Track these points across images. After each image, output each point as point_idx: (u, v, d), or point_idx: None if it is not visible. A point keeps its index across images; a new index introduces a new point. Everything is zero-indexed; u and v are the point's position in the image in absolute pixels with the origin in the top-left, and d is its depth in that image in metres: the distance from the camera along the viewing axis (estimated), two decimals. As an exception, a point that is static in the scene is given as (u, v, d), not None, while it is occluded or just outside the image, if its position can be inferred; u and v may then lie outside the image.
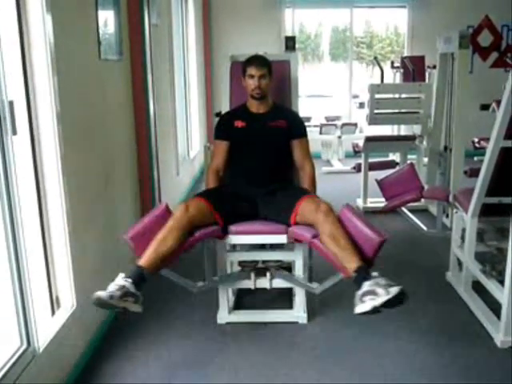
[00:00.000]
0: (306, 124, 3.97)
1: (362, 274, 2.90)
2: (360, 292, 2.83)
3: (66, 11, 2.96)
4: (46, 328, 2.75)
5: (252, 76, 3.56)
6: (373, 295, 2.76)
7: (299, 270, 3.51)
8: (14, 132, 2.38)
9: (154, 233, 3.10)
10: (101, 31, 3.49)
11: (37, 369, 2.53)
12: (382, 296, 2.72)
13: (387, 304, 2.72)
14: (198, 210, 3.23)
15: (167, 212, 3.27)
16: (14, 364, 2.36)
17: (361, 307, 2.80)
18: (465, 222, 3.82)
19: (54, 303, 2.94)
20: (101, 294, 2.74)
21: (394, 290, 2.73)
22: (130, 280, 2.87)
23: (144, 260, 3.00)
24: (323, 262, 3.23)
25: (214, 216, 3.29)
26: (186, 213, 3.16)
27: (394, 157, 7.54)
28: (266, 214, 3.44)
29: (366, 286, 2.82)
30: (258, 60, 3.61)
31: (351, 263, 2.96)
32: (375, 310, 2.75)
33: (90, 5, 3.37)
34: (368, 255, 3.03)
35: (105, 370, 3.07)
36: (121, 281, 2.86)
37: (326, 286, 3.40)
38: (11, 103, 2.35)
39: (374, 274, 2.88)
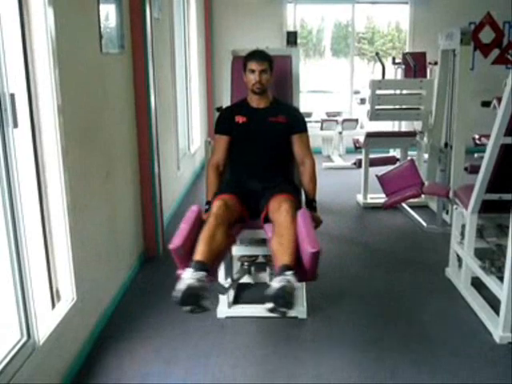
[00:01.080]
0: (307, 119, 3.97)
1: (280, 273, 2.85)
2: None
3: (68, 5, 2.96)
4: (46, 321, 2.75)
5: (253, 71, 3.55)
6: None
7: None
8: (16, 125, 2.38)
9: (195, 236, 3.05)
10: (102, 25, 3.49)
11: (37, 361, 2.54)
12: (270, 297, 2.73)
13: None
14: (232, 204, 3.27)
15: (201, 213, 3.29)
16: (14, 356, 2.36)
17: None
18: (465, 218, 3.82)
19: (55, 296, 2.94)
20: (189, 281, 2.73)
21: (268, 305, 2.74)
22: (203, 273, 2.81)
23: (201, 256, 2.91)
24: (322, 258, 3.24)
25: (241, 210, 3.34)
26: (225, 208, 3.19)
27: (395, 153, 7.54)
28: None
29: (275, 281, 2.80)
30: (258, 55, 3.61)
31: (281, 260, 2.92)
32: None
33: (91, -2, 3.37)
34: (307, 267, 2.91)
35: (104, 363, 3.08)
36: (196, 274, 2.80)
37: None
38: (12, 96, 2.36)
39: (291, 278, 2.79)
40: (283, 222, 3.10)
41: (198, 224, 3.17)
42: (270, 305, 2.75)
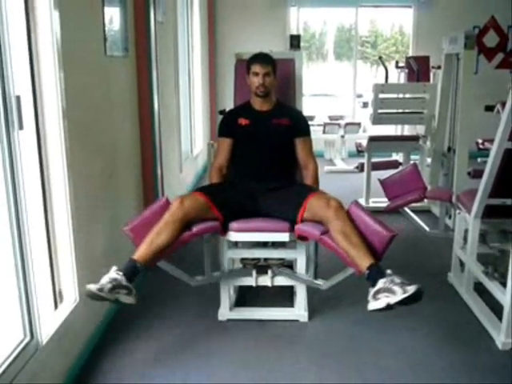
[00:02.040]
0: (310, 123, 3.97)
1: (376, 272, 2.92)
2: (374, 289, 2.85)
3: (73, 8, 2.97)
4: (49, 321, 2.76)
5: (256, 73, 3.56)
6: (388, 293, 2.78)
7: (301, 268, 3.51)
8: (21, 127, 2.39)
9: (152, 226, 3.13)
10: (107, 28, 3.50)
11: (39, 361, 2.55)
12: (399, 294, 2.74)
13: (403, 301, 2.74)
14: (194, 204, 3.23)
15: (167, 205, 3.27)
16: (17, 356, 2.37)
17: (374, 304, 2.83)
18: (467, 223, 3.82)
19: (57, 297, 2.95)
20: (91, 286, 2.79)
21: (412, 289, 2.74)
22: (121, 273, 2.91)
23: (138, 253, 3.04)
24: (327, 258, 3.24)
25: (212, 211, 3.28)
26: (181, 207, 3.17)
27: (398, 157, 7.54)
28: (269, 211, 3.41)
29: (381, 283, 2.84)
30: (262, 58, 3.62)
31: (364, 260, 2.98)
32: (388, 307, 2.78)
33: (96, 2, 3.38)
34: (378, 250, 3.05)
35: (106, 364, 3.08)
36: (113, 274, 2.90)
37: (333, 282, 3.41)
38: (18, 98, 2.36)
39: (388, 271, 2.90)
40: (344, 218, 3.11)
41: (160, 214, 3.20)
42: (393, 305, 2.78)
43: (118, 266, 2.97)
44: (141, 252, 3.05)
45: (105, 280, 2.85)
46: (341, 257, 3.12)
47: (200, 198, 3.29)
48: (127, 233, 3.19)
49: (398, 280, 2.82)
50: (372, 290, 2.87)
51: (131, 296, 2.91)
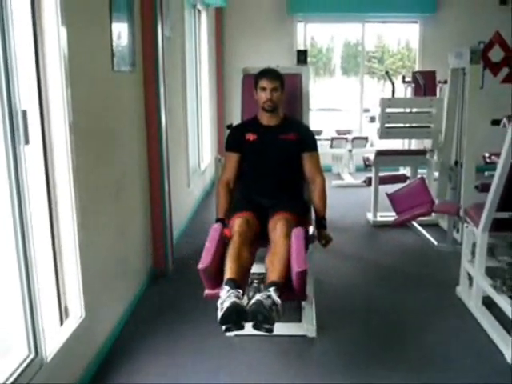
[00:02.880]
0: (317, 137, 3.98)
1: (269, 286, 2.88)
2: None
3: (81, 24, 2.99)
4: (55, 337, 2.75)
5: (264, 88, 3.57)
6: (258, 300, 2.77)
7: None
8: (27, 141, 2.40)
9: (219, 254, 3.09)
10: (114, 43, 3.52)
11: (44, 378, 2.53)
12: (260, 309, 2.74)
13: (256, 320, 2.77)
14: (251, 221, 3.31)
15: (222, 228, 3.28)
16: (21, 373, 2.36)
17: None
18: (475, 236, 3.80)
19: (63, 313, 2.94)
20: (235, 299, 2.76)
21: (266, 326, 2.77)
22: (240, 291, 2.85)
23: (234, 275, 2.93)
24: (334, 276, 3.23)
25: (258, 226, 3.36)
26: (246, 225, 3.24)
27: (405, 171, 7.53)
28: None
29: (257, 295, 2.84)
30: (270, 73, 3.63)
31: (273, 275, 2.96)
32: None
33: (104, 17, 3.40)
34: (293, 283, 2.95)
35: (112, 381, 3.06)
36: (233, 291, 2.82)
37: None
38: (24, 113, 2.37)
39: (272, 294, 2.82)
40: (277, 240, 3.15)
41: (222, 242, 3.18)
42: (252, 322, 2.77)
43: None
44: (236, 274, 2.95)
45: (233, 298, 2.78)
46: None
47: (250, 215, 3.36)
48: (204, 271, 2.95)
49: (267, 302, 2.77)
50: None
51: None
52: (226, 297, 2.78)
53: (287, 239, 3.12)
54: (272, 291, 2.82)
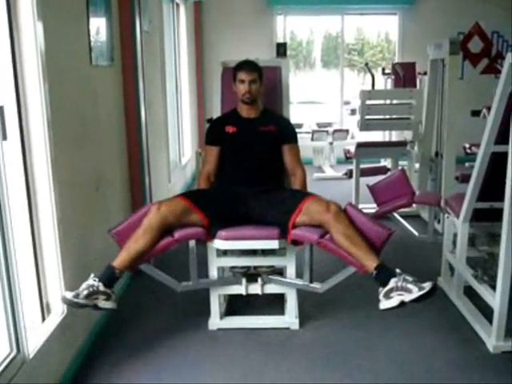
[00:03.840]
0: (298, 130, 3.97)
1: (385, 271, 2.97)
2: (386, 288, 2.91)
3: (57, 18, 2.96)
4: (36, 334, 2.73)
5: (242, 81, 3.56)
6: (402, 291, 2.85)
7: (291, 275, 3.50)
8: (5, 137, 2.37)
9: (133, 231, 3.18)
10: (92, 38, 3.49)
11: (26, 375, 2.51)
12: (415, 292, 2.82)
13: (417, 299, 2.82)
14: (173, 208, 3.21)
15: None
16: (3, 370, 2.34)
17: (387, 303, 2.89)
18: (456, 227, 3.82)
19: (45, 309, 2.92)
20: (67, 293, 2.85)
21: (428, 286, 2.84)
22: (97, 279, 2.94)
23: (116, 259, 3.09)
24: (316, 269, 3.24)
25: (196, 214, 3.24)
26: (158, 212, 3.16)
27: (386, 163, 7.56)
28: (260, 214, 3.38)
29: (393, 282, 2.90)
30: (248, 65, 3.62)
31: (370, 260, 3.02)
32: (401, 305, 2.84)
33: (81, 12, 3.37)
34: (377, 248, 3.11)
35: (95, 376, 3.05)
36: (90, 280, 2.94)
37: (331, 283, 3.38)
38: (1, 108, 2.35)
39: (398, 270, 2.95)
40: (344, 221, 3.14)
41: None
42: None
43: (96, 273, 2.99)
44: (119, 258, 3.09)
45: (81, 287, 2.89)
46: (343, 258, 3.14)
47: (180, 201, 3.28)
48: (112, 236, 3.23)
49: (410, 278, 2.88)
50: (383, 290, 2.92)
51: (110, 301, 2.96)
52: (83, 286, 2.91)
53: (346, 215, 3.18)
54: (401, 274, 2.93)
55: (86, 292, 2.86)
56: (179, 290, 3.43)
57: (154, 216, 3.15)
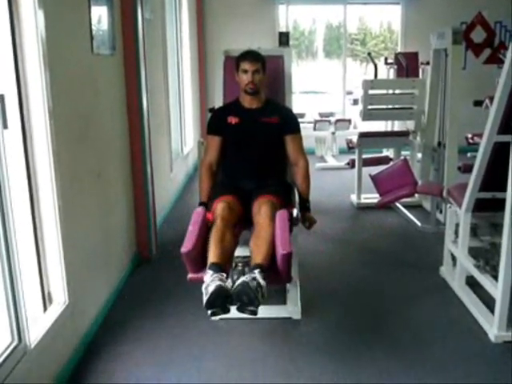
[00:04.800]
0: (300, 120, 3.96)
1: (253, 268, 2.90)
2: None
3: (58, 7, 2.94)
4: (38, 324, 2.73)
5: (245, 71, 3.54)
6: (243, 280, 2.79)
7: None
8: (5, 126, 2.36)
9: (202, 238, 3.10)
10: (93, 26, 3.47)
11: (28, 365, 2.51)
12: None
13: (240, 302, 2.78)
14: (234, 205, 3.28)
15: (205, 213, 3.28)
16: (4, 360, 2.34)
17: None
18: (458, 217, 3.82)
19: (46, 299, 2.91)
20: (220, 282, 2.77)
21: (250, 308, 2.79)
22: (224, 274, 2.86)
23: (217, 259, 2.94)
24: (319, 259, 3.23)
25: (240, 209, 3.34)
26: (229, 209, 3.21)
27: (388, 152, 7.54)
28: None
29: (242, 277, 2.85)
30: (251, 55, 3.60)
31: (257, 257, 2.98)
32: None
33: (82, 0, 3.35)
34: (277, 260, 2.98)
35: (97, 367, 3.05)
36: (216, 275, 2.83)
37: None
38: (2, 97, 2.33)
39: (257, 276, 2.84)
40: (262, 223, 3.14)
41: (205, 226, 3.18)
42: (236, 304, 2.79)
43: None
44: (219, 258, 2.96)
45: (217, 282, 2.79)
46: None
47: (232, 199, 3.33)
48: (188, 253, 2.95)
49: (254, 286, 2.78)
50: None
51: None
52: (210, 281, 2.78)
53: (272, 222, 3.12)
54: (257, 273, 2.83)
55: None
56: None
57: (228, 213, 3.19)
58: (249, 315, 2.82)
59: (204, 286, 2.80)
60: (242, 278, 2.80)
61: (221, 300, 2.76)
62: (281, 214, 3.17)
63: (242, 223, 3.34)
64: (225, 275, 2.85)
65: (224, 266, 2.92)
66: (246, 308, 2.78)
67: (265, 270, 2.88)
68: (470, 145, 7.40)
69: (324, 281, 4.10)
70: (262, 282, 2.81)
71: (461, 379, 2.92)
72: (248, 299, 2.74)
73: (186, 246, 2.93)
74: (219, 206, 3.22)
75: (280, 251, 2.89)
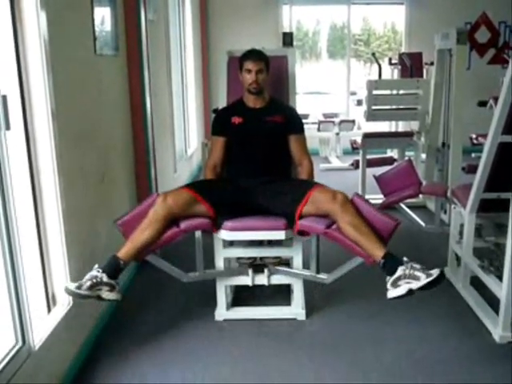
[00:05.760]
0: (304, 121, 3.95)
1: (392, 260, 2.95)
2: (394, 277, 2.89)
3: (61, 7, 2.94)
4: (42, 326, 2.73)
5: (249, 70, 3.54)
6: (410, 279, 2.83)
7: (298, 265, 3.48)
8: (8, 127, 2.36)
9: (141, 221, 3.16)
10: (97, 27, 3.47)
11: (32, 367, 2.51)
12: (423, 279, 2.80)
13: (425, 286, 2.80)
14: (178, 199, 3.20)
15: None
16: (9, 362, 2.34)
17: (395, 292, 2.88)
18: (463, 217, 3.80)
19: (50, 300, 2.92)
20: (70, 284, 2.84)
21: (435, 272, 2.82)
22: (101, 270, 2.93)
23: (121, 250, 3.08)
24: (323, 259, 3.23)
25: (202, 205, 3.24)
26: (164, 203, 3.15)
27: (392, 153, 7.53)
28: (266, 205, 3.37)
29: (400, 270, 2.88)
30: (255, 54, 3.59)
31: (377, 250, 3.00)
32: (409, 293, 2.84)
33: (85, 1, 3.35)
34: (384, 239, 3.08)
35: (102, 367, 3.05)
36: (94, 272, 2.93)
37: (338, 274, 3.38)
38: (4, 97, 2.33)
39: (405, 258, 2.93)
40: (352, 211, 3.12)
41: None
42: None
43: (100, 264, 2.99)
44: (124, 249, 3.08)
45: (85, 278, 2.88)
46: (350, 248, 3.13)
47: (186, 192, 3.27)
48: (118, 226, 3.23)
49: (418, 266, 2.87)
50: (391, 278, 2.90)
51: (114, 292, 2.96)
52: (87, 277, 2.89)
53: (353, 205, 3.16)
54: (408, 262, 2.91)
55: (89, 283, 2.85)
56: (185, 280, 3.43)
57: (160, 207, 3.14)
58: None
59: (81, 281, 2.87)
60: (421, 273, 2.84)
61: (77, 295, 2.85)
62: (359, 197, 3.26)
63: (198, 217, 3.28)
64: (101, 271, 2.94)
65: (125, 258, 3.05)
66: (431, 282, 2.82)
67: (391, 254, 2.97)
68: (474, 145, 7.38)
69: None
70: (415, 263, 2.90)
71: (465, 379, 2.92)
72: (434, 282, 2.81)
73: (118, 219, 3.24)
74: (158, 198, 3.19)
75: (392, 222, 3.08)
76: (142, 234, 3.10)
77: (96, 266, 2.97)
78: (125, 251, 3.07)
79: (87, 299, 2.87)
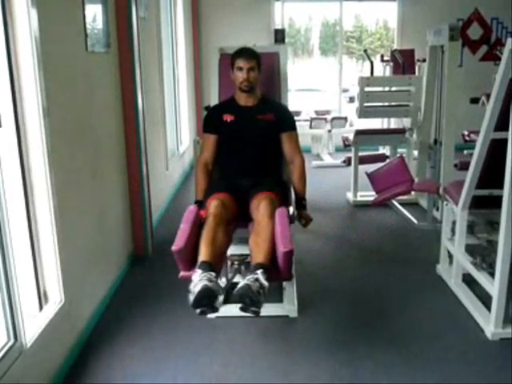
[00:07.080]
0: (296, 118, 3.95)
1: (256, 268, 2.86)
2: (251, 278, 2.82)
3: (52, 5, 2.92)
4: (34, 323, 2.71)
5: (240, 68, 3.53)
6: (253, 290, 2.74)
7: None
8: (-1, 124, 2.35)
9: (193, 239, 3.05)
10: (88, 24, 3.45)
11: (24, 364, 2.50)
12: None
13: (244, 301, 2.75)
14: (227, 202, 3.26)
15: (199, 211, 3.25)
16: (0, 359, 2.33)
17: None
18: (455, 214, 3.81)
19: (42, 298, 2.90)
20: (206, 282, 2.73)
21: (254, 309, 2.76)
22: (213, 273, 2.81)
23: (207, 258, 2.90)
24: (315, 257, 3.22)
25: (235, 207, 3.32)
26: (222, 207, 3.18)
27: (384, 150, 7.54)
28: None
29: (245, 279, 2.83)
30: (246, 52, 3.59)
31: (258, 257, 2.95)
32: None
33: (76, -2, 3.34)
34: (279, 264, 2.94)
35: (94, 365, 3.04)
36: (205, 274, 2.80)
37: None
38: (-5, 95, 2.32)
39: (260, 277, 2.80)
40: (261, 220, 3.12)
41: (197, 224, 3.15)
42: (239, 305, 2.77)
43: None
44: (211, 256, 2.92)
45: (204, 281, 2.76)
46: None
47: (226, 197, 3.31)
48: (179, 252, 2.91)
49: (254, 287, 2.74)
50: (251, 277, 2.81)
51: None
52: (198, 280, 2.76)
53: (271, 219, 3.09)
54: (259, 274, 2.80)
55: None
56: None
57: (221, 211, 3.16)
58: (251, 315, 2.80)
59: (192, 285, 2.77)
60: (245, 281, 2.77)
61: (207, 300, 2.73)
62: (280, 212, 3.15)
63: (236, 221, 3.32)
64: (214, 274, 2.81)
65: (214, 264, 2.89)
66: (249, 309, 2.76)
67: (267, 270, 2.84)
68: (466, 142, 7.40)
69: (320, 278, 4.10)
70: (265, 282, 2.78)
71: (457, 376, 2.92)
72: (250, 301, 2.72)
73: (177, 245, 2.89)
74: (212, 204, 3.20)
75: (281, 249, 2.84)
76: (219, 240, 3.05)
77: (199, 271, 2.83)
78: (213, 258, 2.93)
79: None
